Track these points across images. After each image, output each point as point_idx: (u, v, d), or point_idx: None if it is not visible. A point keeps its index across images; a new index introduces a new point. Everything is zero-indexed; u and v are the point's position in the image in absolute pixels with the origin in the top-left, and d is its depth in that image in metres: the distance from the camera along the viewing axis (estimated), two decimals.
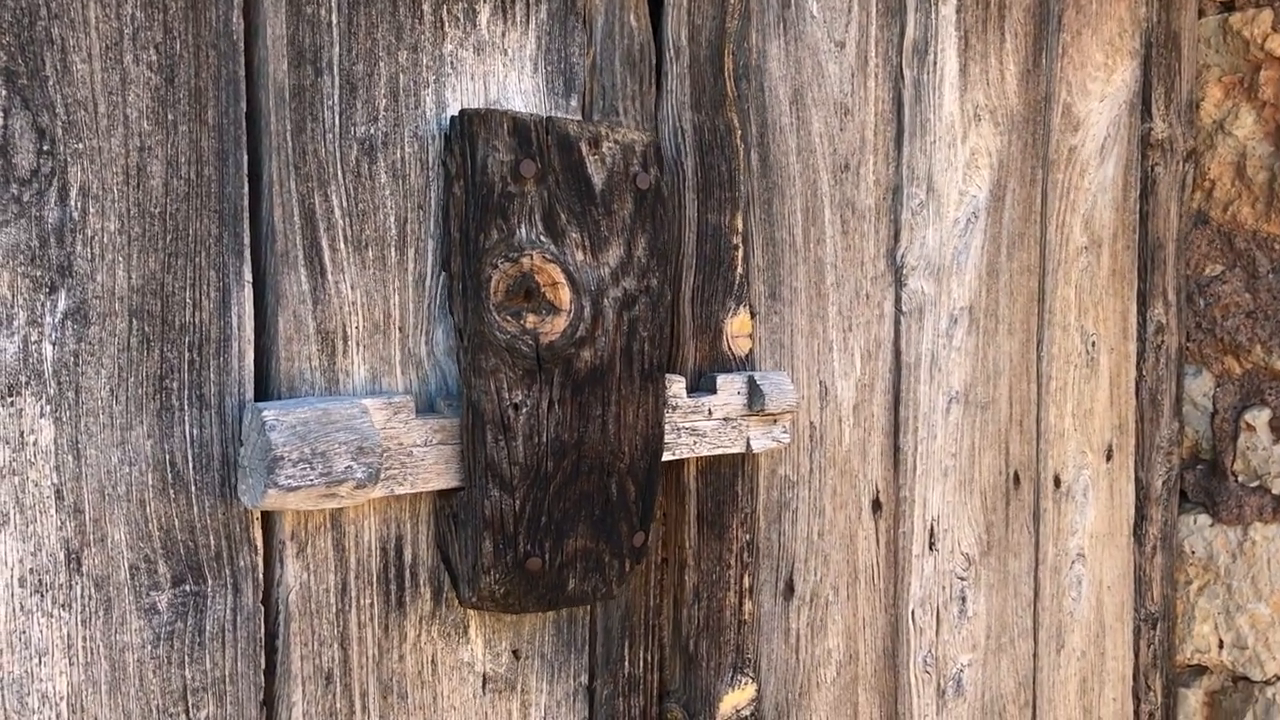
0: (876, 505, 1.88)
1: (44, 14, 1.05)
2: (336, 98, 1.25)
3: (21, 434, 1.07)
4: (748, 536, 1.67)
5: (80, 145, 1.08)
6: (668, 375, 1.49)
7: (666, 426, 1.49)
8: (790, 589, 1.76)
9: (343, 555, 1.29)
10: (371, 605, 1.32)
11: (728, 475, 1.63)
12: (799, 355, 1.73)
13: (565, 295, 1.28)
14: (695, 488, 1.59)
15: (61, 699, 1.11)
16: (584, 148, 1.30)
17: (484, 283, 1.24)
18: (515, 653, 1.46)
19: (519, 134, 1.24)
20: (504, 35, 1.38)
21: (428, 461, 1.29)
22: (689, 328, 1.57)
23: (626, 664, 1.59)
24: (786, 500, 1.74)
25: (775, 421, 1.60)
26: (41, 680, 1.10)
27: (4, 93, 1.03)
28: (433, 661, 1.38)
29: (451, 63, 1.34)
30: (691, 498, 1.59)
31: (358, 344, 1.29)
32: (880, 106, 1.81)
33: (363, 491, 1.20)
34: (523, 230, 1.26)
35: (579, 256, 1.30)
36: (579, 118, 1.46)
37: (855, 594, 1.85)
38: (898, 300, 1.88)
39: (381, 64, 1.28)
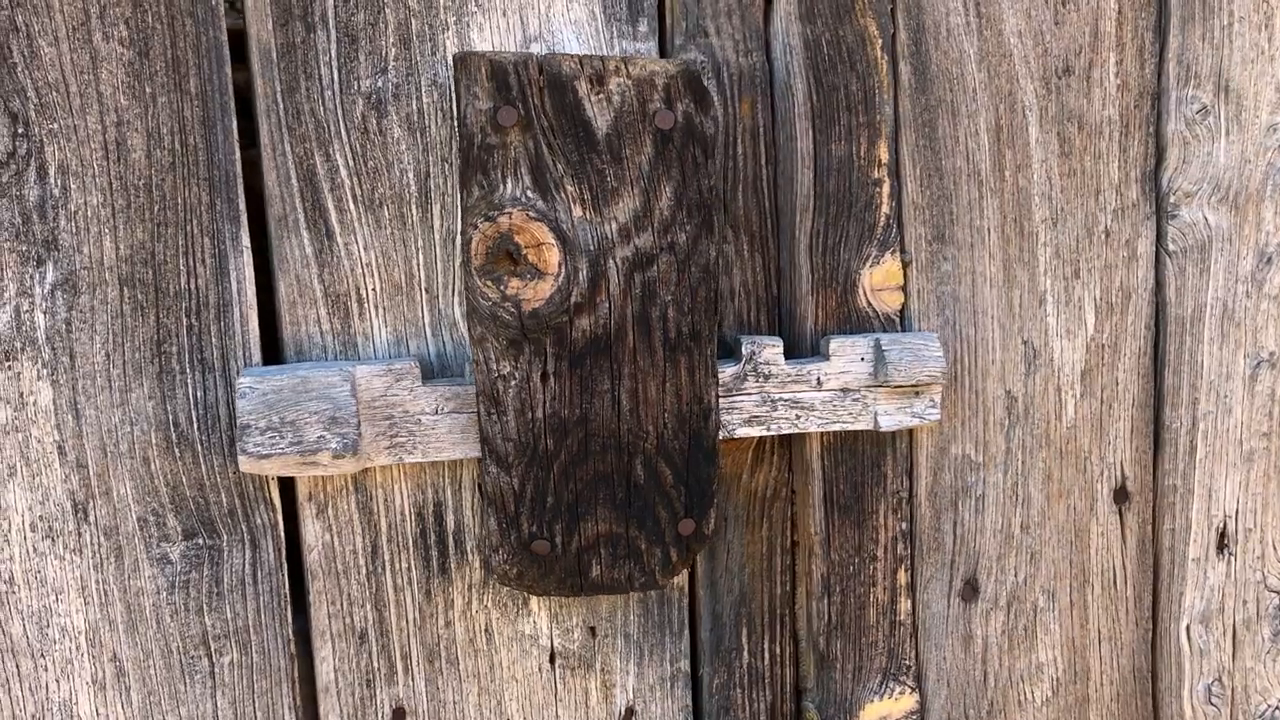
0: (1121, 494, 1.50)
1: (6, 3, 1.11)
2: (334, 52, 1.20)
3: (21, 395, 1.17)
4: (903, 525, 1.41)
5: (55, 125, 1.14)
6: (758, 338, 1.28)
7: (759, 397, 1.29)
8: (973, 589, 1.46)
9: (371, 518, 1.28)
10: (409, 569, 1.30)
11: (868, 453, 1.39)
12: (987, 310, 1.41)
13: (552, 257, 1.14)
14: (820, 467, 1.37)
15: (80, 633, 1.22)
16: (582, 87, 1.13)
17: (466, 245, 1.14)
18: (591, 629, 1.37)
19: (497, 78, 1.12)
20: None
21: (440, 430, 1.23)
22: (805, 281, 1.33)
23: (745, 654, 1.43)
24: (967, 485, 1.44)
25: (917, 394, 1.33)
26: (60, 615, 1.21)
27: None
28: (487, 630, 1.34)
29: (476, 0, 1.23)
30: (815, 478, 1.37)
31: (376, 306, 1.25)
32: None
33: (343, 461, 1.17)
34: (507, 185, 1.13)
35: (576, 212, 1.15)
36: (649, 46, 1.28)
37: (1084, 600, 1.50)
38: (1161, 236, 1.46)
39: (387, 10, 1.21)
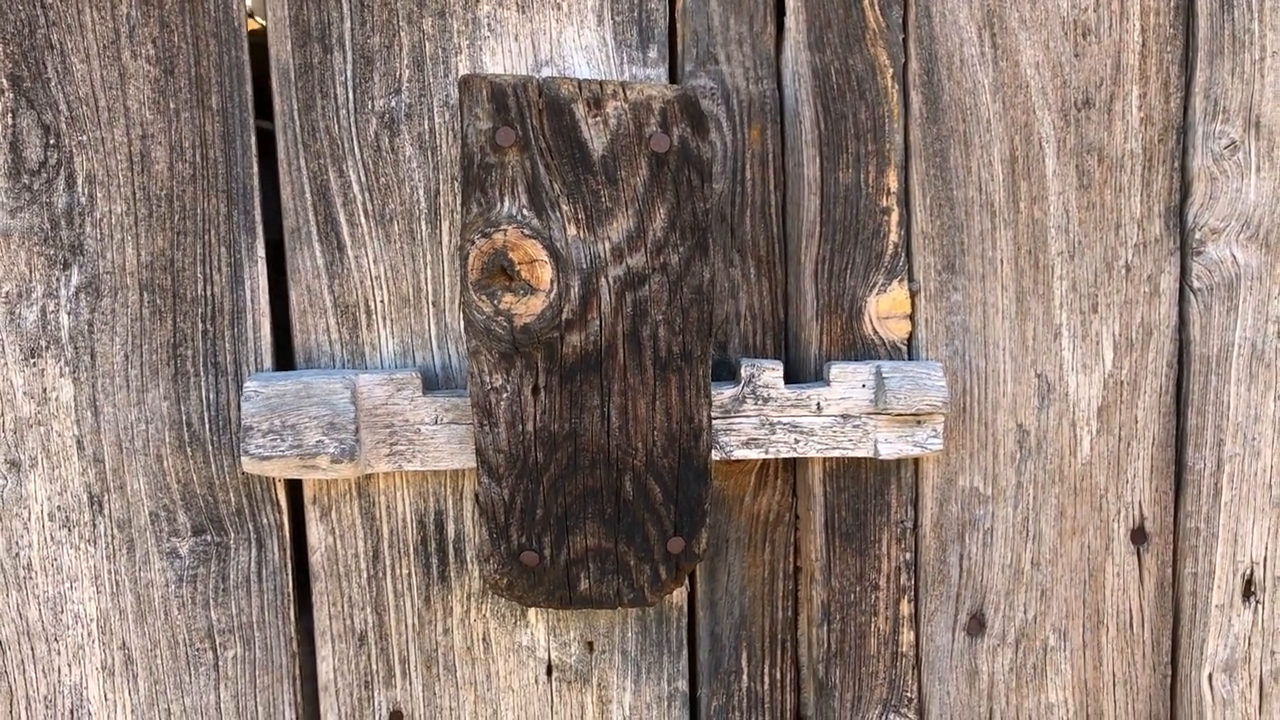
0: (1140, 535, 1.46)
1: (43, 22, 1.18)
2: (350, 73, 1.25)
3: (44, 390, 1.24)
4: (906, 555, 1.40)
5: (84, 137, 1.21)
6: (759, 361, 1.30)
7: (758, 420, 1.30)
8: (979, 624, 1.44)
9: (373, 524, 1.32)
10: (409, 576, 1.34)
11: (872, 481, 1.38)
12: (999, 342, 1.40)
13: (545, 274, 1.17)
14: (822, 492, 1.37)
15: (92, 620, 1.28)
16: (579, 110, 1.16)
17: (464, 260, 1.18)
18: (589, 644, 1.39)
19: (497, 99, 1.15)
20: None
21: (439, 440, 1.26)
22: (810, 307, 1.34)
23: (745, 677, 1.43)
24: (974, 518, 1.42)
25: (919, 423, 1.32)
26: (73, 602, 1.27)
27: (10, 95, 1.19)
28: (485, 639, 1.36)
29: (489, 25, 1.27)
30: (817, 504, 1.38)
31: (384, 318, 1.29)
32: (1151, 20, 1.38)
33: (342, 466, 1.21)
34: (504, 203, 1.17)
35: (570, 231, 1.17)
36: (658, 72, 1.30)
37: (1098, 642, 1.47)
38: (1185, 273, 1.43)
39: (402, 34, 1.26)
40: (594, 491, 1.23)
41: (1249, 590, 1.50)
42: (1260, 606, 1.50)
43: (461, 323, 1.30)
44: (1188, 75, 1.40)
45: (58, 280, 1.22)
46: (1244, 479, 1.47)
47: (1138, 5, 1.37)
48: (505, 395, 1.20)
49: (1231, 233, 1.43)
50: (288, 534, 1.31)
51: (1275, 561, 1.50)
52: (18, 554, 1.26)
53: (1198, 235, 1.42)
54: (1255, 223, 1.43)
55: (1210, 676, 1.51)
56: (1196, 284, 1.43)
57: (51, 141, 1.20)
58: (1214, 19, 1.39)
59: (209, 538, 1.29)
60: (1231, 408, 1.46)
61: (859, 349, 1.36)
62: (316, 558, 1.32)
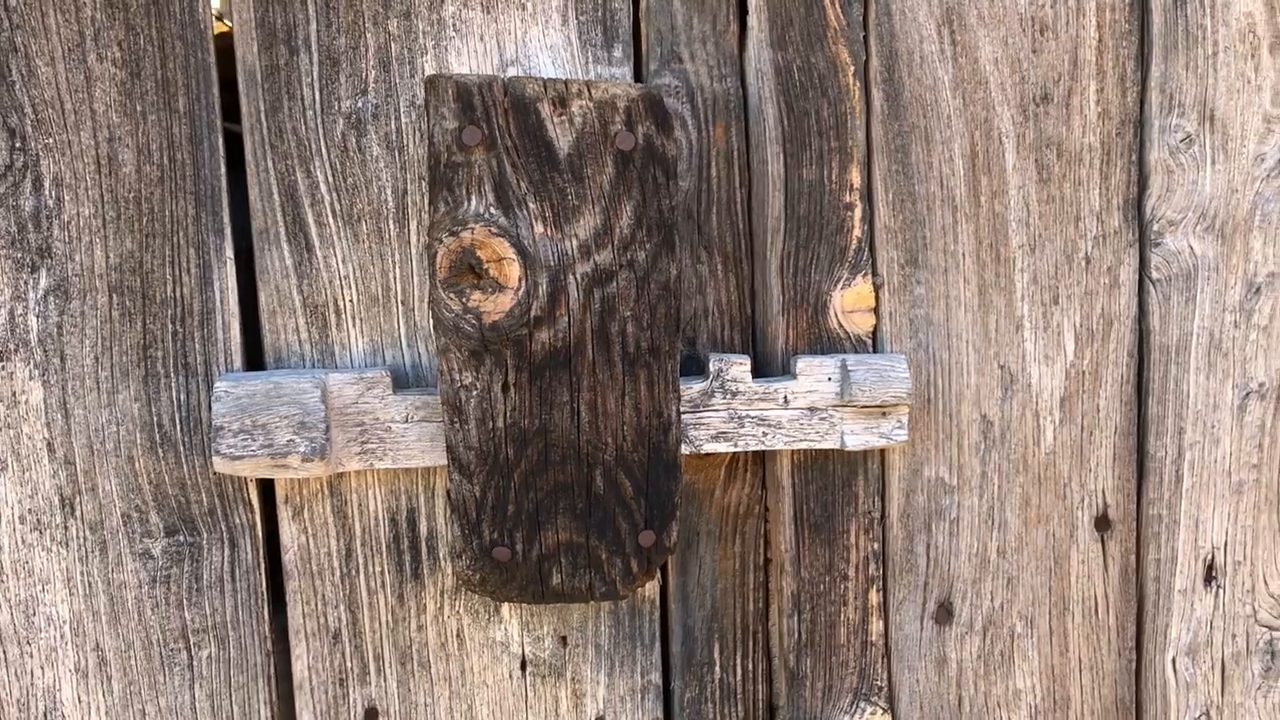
0: (1103, 522, 1.49)
1: (6, 25, 1.18)
2: (316, 74, 1.26)
3: (14, 393, 1.24)
4: (874, 545, 1.42)
5: (50, 140, 1.21)
6: (727, 356, 1.31)
7: (726, 414, 1.31)
8: (947, 612, 1.47)
9: (346, 522, 1.33)
10: (382, 573, 1.34)
11: (840, 473, 1.40)
12: (962, 334, 1.42)
13: (513, 272, 1.18)
14: (791, 484, 1.39)
15: (64, 623, 1.28)
16: (545, 109, 1.18)
17: (432, 258, 1.19)
18: (562, 639, 1.40)
19: (463, 99, 1.16)
20: None
21: (410, 438, 1.27)
22: (776, 302, 1.36)
23: (717, 669, 1.45)
24: (941, 508, 1.44)
25: (884, 415, 1.34)
26: (46, 605, 1.28)
27: None
28: (458, 635, 1.37)
29: (454, 25, 1.28)
30: (786, 496, 1.39)
31: (353, 317, 1.30)
32: (1107, 16, 1.40)
33: (313, 465, 1.22)
34: (471, 202, 1.18)
35: (537, 229, 1.19)
36: (623, 71, 1.32)
37: (1064, 628, 1.50)
38: (1144, 264, 1.46)
39: (368, 35, 1.26)
40: (565, 487, 1.24)
41: (1210, 575, 1.53)
42: (1221, 591, 1.53)
43: (430, 321, 1.31)
44: (1144, 70, 1.43)
45: (26, 283, 1.23)
46: (1204, 466, 1.50)
47: (1093, 1, 1.40)
48: (475, 392, 1.21)
49: (1188, 224, 1.46)
50: (260, 533, 1.31)
51: (1235, 546, 1.53)
52: None
53: (1155, 227, 1.45)
54: (1211, 214, 1.46)
55: (1174, 660, 1.53)
56: (1155, 275, 1.46)
57: (17, 145, 1.20)
58: (1168, 14, 1.42)
59: (182, 538, 1.29)
60: (1191, 396, 1.49)
61: (825, 343, 1.38)
62: (289, 556, 1.32)
